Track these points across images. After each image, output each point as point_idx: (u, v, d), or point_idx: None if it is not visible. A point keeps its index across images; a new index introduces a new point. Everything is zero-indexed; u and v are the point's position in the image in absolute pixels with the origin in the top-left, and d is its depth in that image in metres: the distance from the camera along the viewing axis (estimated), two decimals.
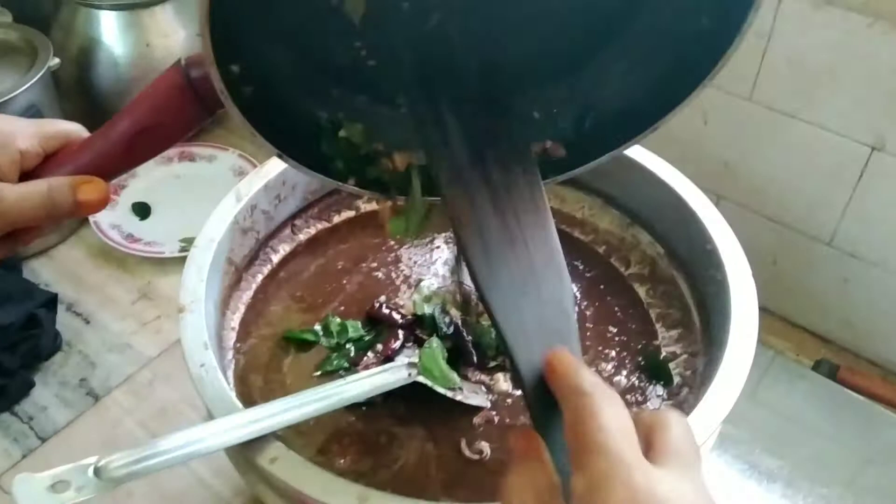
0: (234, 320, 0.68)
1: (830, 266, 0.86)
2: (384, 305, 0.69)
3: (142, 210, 1.00)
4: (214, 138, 1.10)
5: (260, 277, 0.72)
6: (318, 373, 0.66)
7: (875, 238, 0.81)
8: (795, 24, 0.75)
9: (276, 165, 0.70)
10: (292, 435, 0.59)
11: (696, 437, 0.36)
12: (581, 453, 0.34)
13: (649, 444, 0.35)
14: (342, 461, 0.60)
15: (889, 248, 0.81)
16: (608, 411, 0.34)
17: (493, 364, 0.66)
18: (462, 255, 0.40)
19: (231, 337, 0.67)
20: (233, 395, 0.55)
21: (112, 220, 0.98)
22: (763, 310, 0.92)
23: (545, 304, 0.41)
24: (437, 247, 0.77)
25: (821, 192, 0.83)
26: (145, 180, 1.03)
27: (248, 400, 0.63)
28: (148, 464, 0.48)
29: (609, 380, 0.66)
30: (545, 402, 0.39)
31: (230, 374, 0.64)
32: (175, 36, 1.05)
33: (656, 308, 0.71)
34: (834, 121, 0.78)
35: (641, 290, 0.73)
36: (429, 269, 0.75)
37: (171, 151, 1.06)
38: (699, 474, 0.35)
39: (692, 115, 0.87)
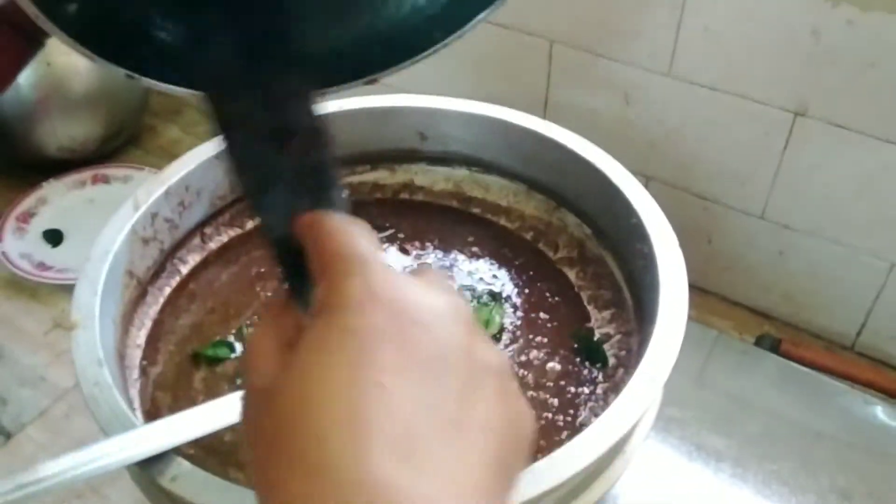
0: (140, 337, 0.63)
1: (765, 240, 0.84)
2: None
3: (53, 237, 0.95)
4: (130, 158, 1.05)
5: (168, 290, 0.67)
6: (239, 383, 0.62)
7: (806, 207, 0.80)
8: None
9: (176, 170, 0.66)
10: (202, 454, 0.55)
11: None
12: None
13: None
14: None
15: (821, 216, 0.79)
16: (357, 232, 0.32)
17: None
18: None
19: (136, 355, 0.62)
20: (129, 412, 0.50)
21: (21, 250, 0.93)
22: (702, 290, 0.91)
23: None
24: None
25: (748, 165, 0.81)
26: (56, 206, 0.98)
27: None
28: (29, 491, 0.44)
29: (542, 366, 0.63)
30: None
31: (134, 392, 0.59)
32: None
33: (587, 290, 0.69)
34: (754, 89, 0.77)
35: (571, 274, 0.70)
36: None
37: (84, 174, 1.01)
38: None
39: (613, 96, 0.85)
